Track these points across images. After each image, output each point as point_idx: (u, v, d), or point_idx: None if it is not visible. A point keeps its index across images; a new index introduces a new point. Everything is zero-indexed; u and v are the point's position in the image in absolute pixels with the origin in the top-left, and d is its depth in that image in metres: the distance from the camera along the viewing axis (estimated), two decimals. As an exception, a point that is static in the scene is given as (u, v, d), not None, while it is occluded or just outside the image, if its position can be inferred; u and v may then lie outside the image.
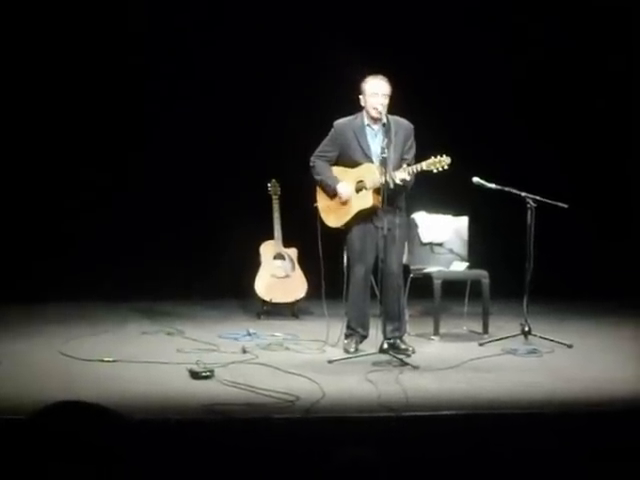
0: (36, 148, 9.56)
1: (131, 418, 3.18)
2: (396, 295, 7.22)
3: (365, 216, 7.18)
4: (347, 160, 7.25)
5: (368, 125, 7.22)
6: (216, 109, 9.63)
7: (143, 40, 9.50)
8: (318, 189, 7.37)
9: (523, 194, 7.54)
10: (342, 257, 7.30)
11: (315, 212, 7.38)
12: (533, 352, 7.22)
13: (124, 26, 9.47)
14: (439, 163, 6.93)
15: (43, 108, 9.53)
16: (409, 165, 7.02)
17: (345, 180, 7.22)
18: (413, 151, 7.20)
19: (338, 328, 7.39)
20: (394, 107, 7.17)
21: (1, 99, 9.40)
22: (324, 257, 7.32)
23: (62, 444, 2.59)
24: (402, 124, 7.17)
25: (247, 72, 9.58)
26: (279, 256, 8.92)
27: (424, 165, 6.96)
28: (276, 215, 8.85)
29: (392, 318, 7.14)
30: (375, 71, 7.20)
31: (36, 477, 2.54)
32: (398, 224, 7.12)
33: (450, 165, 6.92)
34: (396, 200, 7.09)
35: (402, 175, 6.93)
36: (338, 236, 7.34)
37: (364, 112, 7.22)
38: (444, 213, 8.48)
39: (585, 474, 4.62)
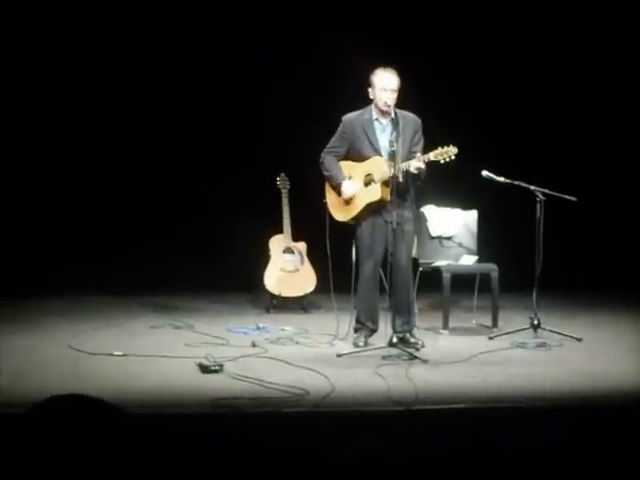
0: (43, 143, 9.58)
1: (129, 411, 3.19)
2: (405, 289, 7.22)
3: (374, 210, 7.17)
4: (356, 154, 7.25)
5: (376, 119, 7.20)
6: (226, 103, 9.63)
7: (146, 39, 9.51)
8: (327, 185, 7.38)
9: (532, 187, 7.53)
10: (351, 251, 7.30)
11: (324, 208, 7.38)
12: (542, 346, 7.21)
13: (125, 26, 9.48)
14: (446, 153, 6.92)
15: (47, 106, 9.54)
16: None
17: (354, 174, 7.21)
18: (421, 144, 7.19)
19: (347, 322, 7.40)
20: (403, 100, 7.15)
21: (10, 97, 9.43)
22: (333, 252, 7.33)
23: (61, 436, 2.60)
24: (410, 118, 7.16)
25: (258, 66, 9.58)
26: (288, 250, 8.92)
27: (431, 156, 6.95)
28: (285, 209, 8.85)
29: (401, 312, 7.13)
30: (384, 64, 7.19)
31: (39, 468, 2.55)
32: (407, 218, 7.11)
33: (457, 155, 6.91)
34: (405, 193, 7.09)
35: (417, 164, 6.92)
36: (347, 231, 7.34)
37: (372, 106, 7.21)
38: (453, 207, 8.47)
39: (593, 467, 4.61)
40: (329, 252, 7.33)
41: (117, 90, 9.62)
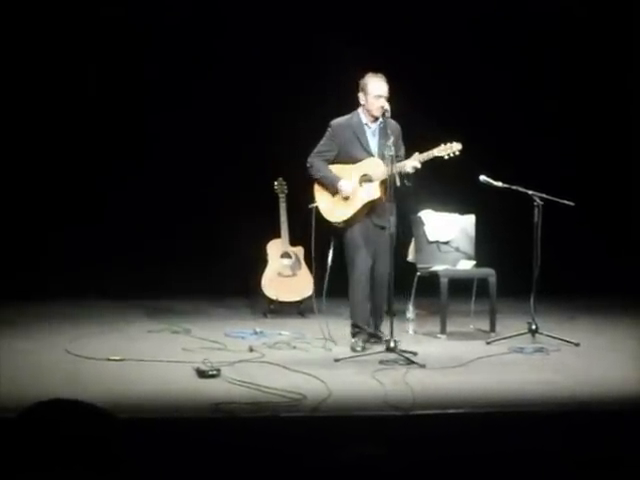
0: (40, 145, 9.58)
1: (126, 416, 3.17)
2: (387, 291, 7.22)
3: (366, 212, 7.22)
4: (346, 158, 7.30)
5: (366, 124, 7.28)
6: (222, 107, 9.63)
7: (146, 39, 9.50)
8: (317, 188, 7.39)
9: (530, 192, 7.53)
10: (339, 256, 7.32)
11: (310, 213, 7.35)
12: (540, 350, 7.20)
13: (125, 26, 9.47)
14: (450, 149, 7.05)
15: (47, 106, 9.53)
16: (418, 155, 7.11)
17: (347, 176, 7.25)
18: (403, 149, 7.32)
19: (339, 326, 7.46)
20: (400, 105, 7.19)
21: (10, 97, 9.42)
22: (323, 257, 7.37)
23: (48, 441, 2.59)
24: (393, 124, 7.25)
25: (259, 69, 9.57)
26: (286, 255, 8.92)
27: (435, 152, 7.07)
28: (282, 214, 8.85)
29: (381, 311, 7.37)
30: (376, 69, 7.23)
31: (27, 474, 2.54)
32: (394, 222, 7.17)
33: (460, 154, 7.01)
34: (396, 197, 7.17)
35: (413, 163, 7.04)
36: (337, 235, 7.35)
37: (360, 110, 7.30)
38: (451, 211, 8.46)
39: (591, 473, 4.61)
40: (313, 257, 7.40)
41: (116, 90, 9.61)
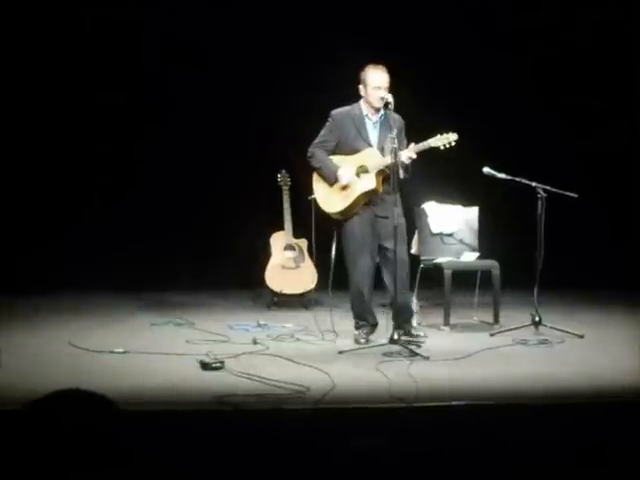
0: (43, 138, 9.57)
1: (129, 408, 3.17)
2: (407, 282, 7.22)
3: (365, 204, 7.19)
4: (346, 149, 7.26)
5: (366, 115, 7.24)
6: (226, 100, 9.62)
7: (146, 38, 9.51)
8: (315, 179, 7.36)
9: (533, 184, 7.52)
10: (339, 248, 7.31)
11: (310, 204, 7.36)
12: (544, 342, 7.21)
13: (125, 25, 9.47)
14: (446, 139, 6.99)
15: (50, 103, 9.54)
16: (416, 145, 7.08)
17: (345, 167, 7.21)
18: (405, 142, 7.24)
19: (342, 318, 7.44)
20: (403, 99, 7.18)
21: (10, 98, 9.43)
22: (324, 248, 7.36)
23: (58, 432, 2.58)
24: (397, 118, 7.23)
25: (257, 63, 9.57)
26: (289, 247, 8.92)
27: (431, 142, 7.02)
28: (286, 206, 8.85)
29: (403, 308, 7.18)
30: (376, 61, 7.21)
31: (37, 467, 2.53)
32: (400, 212, 7.10)
33: (457, 148, 6.99)
34: (399, 188, 7.15)
35: (409, 153, 7.00)
36: (338, 227, 7.35)
37: (362, 102, 7.26)
38: (454, 203, 8.46)
39: (594, 464, 4.60)
40: (314, 249, 7.42)
41: (115, 87, 9.60)
